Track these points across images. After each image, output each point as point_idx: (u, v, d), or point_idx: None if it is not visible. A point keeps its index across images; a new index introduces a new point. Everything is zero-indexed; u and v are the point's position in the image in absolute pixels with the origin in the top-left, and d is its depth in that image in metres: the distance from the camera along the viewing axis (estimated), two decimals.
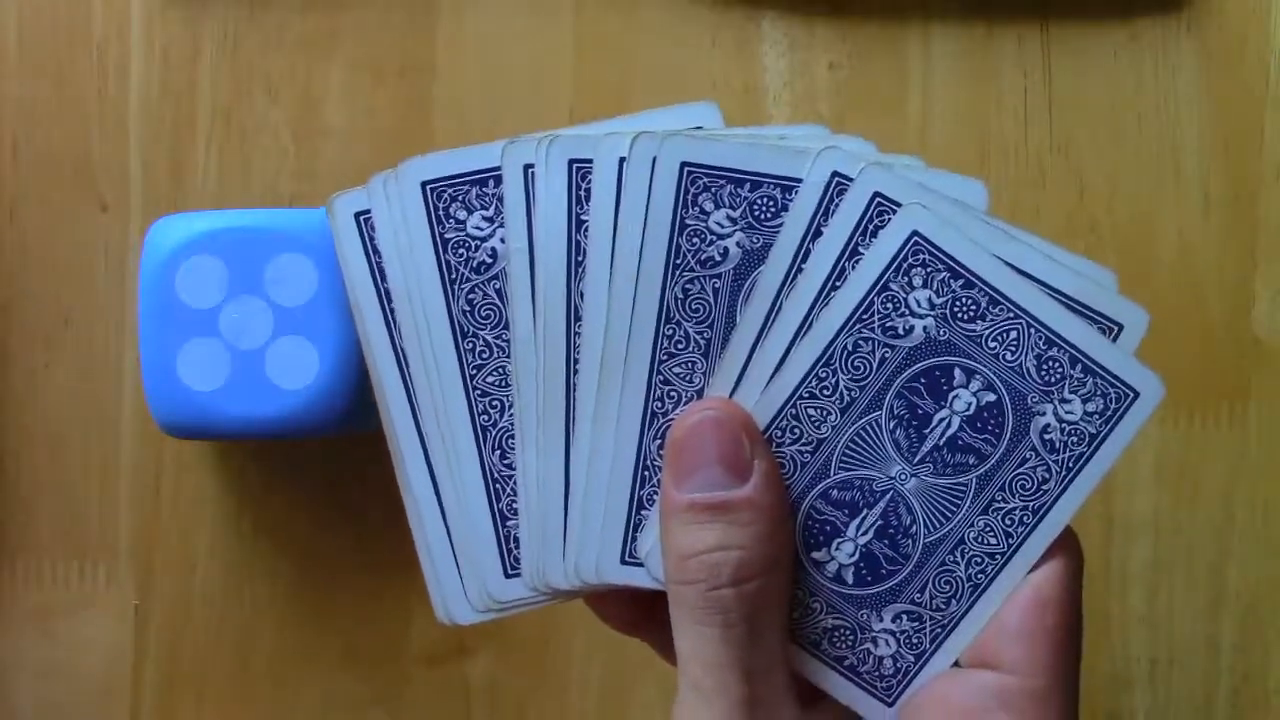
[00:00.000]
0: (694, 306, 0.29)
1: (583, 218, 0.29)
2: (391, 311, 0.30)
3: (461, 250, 0.29)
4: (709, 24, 0.50)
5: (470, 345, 0.30)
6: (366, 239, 0.30)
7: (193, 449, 0.50)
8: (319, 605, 0.50)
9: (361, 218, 0.30)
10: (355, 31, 0.50)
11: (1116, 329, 0.29)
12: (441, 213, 0.30)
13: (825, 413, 0.28)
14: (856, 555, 0.29)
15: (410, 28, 0.50)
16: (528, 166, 0.29)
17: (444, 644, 0.50)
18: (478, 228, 0.29)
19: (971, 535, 0.29)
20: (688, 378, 0.29)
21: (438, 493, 0.30)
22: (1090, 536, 0.50)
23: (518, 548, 0.30)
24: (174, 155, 0.50)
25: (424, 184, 0.30)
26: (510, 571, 0.30)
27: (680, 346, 0.29)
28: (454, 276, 0.29)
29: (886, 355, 0.28)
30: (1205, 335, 0.50)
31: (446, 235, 0.30)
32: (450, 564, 0.31)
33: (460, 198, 0.30)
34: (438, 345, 0.30)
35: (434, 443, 0.30)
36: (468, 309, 0.29)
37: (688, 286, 0.29)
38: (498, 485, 0.30)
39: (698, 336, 0.29)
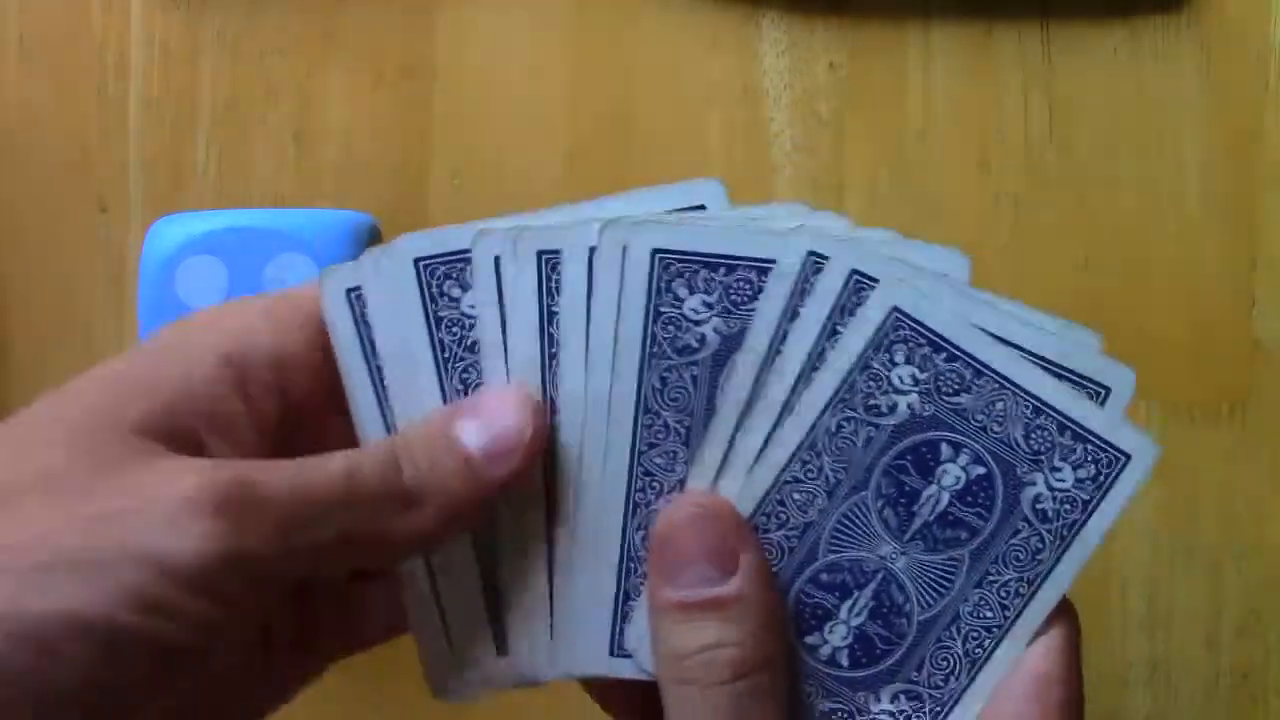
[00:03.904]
0: (672, 395, 0.28)
1: (554, 310, 0.28)
2: (383, 387, 0.29)
3: (455, 329, 0.29)
4: (709, 24, 0.50)
5: None
6: (357, 314, 0.29)
7: None
8: None
9: (352, 294, 0.29)
10: (355, 31, 0.50)
11: (1104, 392, 0.28)
12: (435, 290, 0.29)
13: (811, 496, 0.28)
14: (850, 638, 0.28)
15: (410, 28, 0.50)
16: (498, 258, 0.29)
17: None
18: (471, 306, 0.29)
19: (966, 610, 0.28)
20: (669, 467, 0.29)
21: (429, 568, 0.30)
22: None
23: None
24: (174, 155, 0.50)
25: (416, 261, 0.29)
26: (501, 652, 0.30)
27: (660, 436, 0.29)
28: (447, 355, 0.29)
29: (871, 434, 0.28)
30: (1205, 335, 0.50)
31: (440, 313, 0.29)
32: (442, 641, 0.30)
33: (454, 275, 0.29)
34: None
35: None
36: (460, 389, 0.29)
37: (665, 375, 0.28)
38: (486, 567, 0.29)
39: (677, 425, 0.28)
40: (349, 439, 0.29)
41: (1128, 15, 0.49)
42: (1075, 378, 0.28)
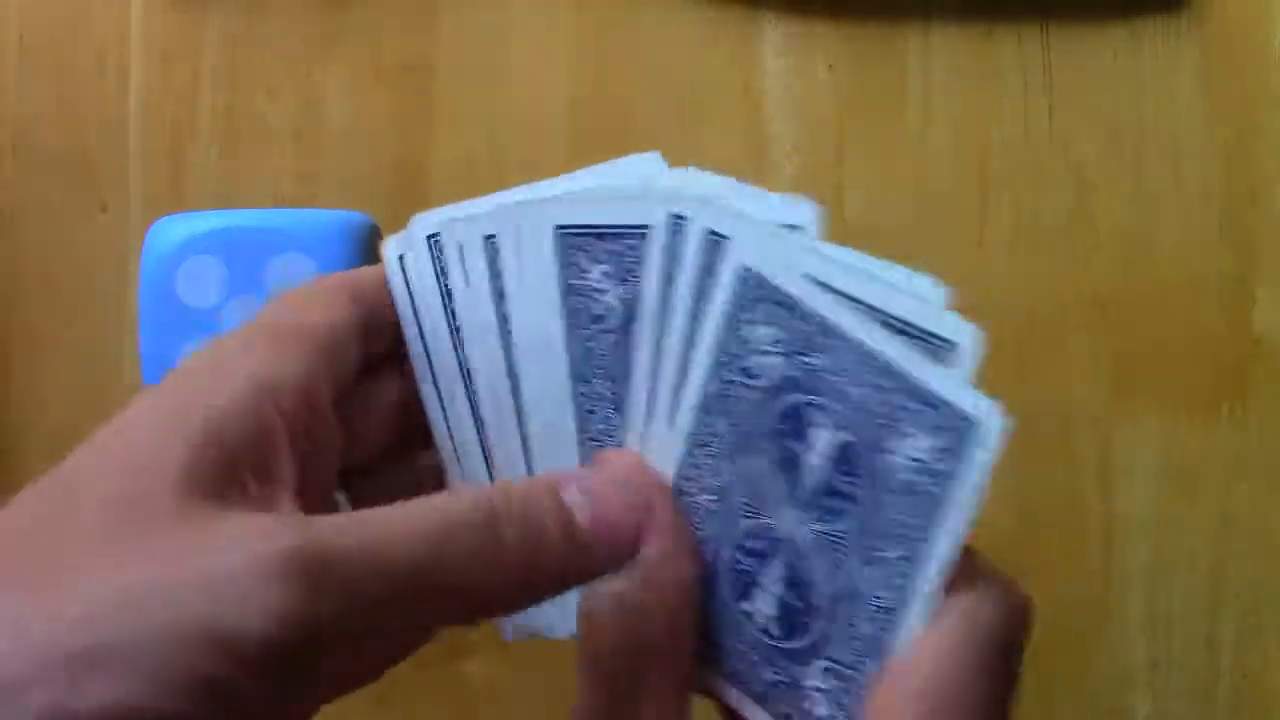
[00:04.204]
0: (598, 364, 0.28)
1: (502, 290, 0.29)
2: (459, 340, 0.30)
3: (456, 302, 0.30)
4: (709, 24, 0.50)
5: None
6: (437, 267, 0.30)
7: None
8: None
9: (404, 257, 0.30)
10: (355, 31, 0.50)
11: (950, 349, 0.25)
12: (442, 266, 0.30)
13: (718, 460, 0.27)
14: (776, 607, 0.27)
15: (410, 28, 0.50)
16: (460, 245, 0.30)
17: (442, 645, 0.50)
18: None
19: (864, 588, 0.26)
20: (610, 433, 0.29)
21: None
22: (1090, 536, 0.50)
23: None
24: (174, 155, 0.50)
25: (428, 237, 0.30)
26: None
27: (597, 404, 0.29)
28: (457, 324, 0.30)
29: (752, 397, 0.26)
30: (1205, 335, 0.50)
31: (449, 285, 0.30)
32: None
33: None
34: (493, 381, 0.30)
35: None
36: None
37: (588, 344, 0.28)
38: None
39: (607, 392, 0.28)
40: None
41: (1128, 15, 0.49)
42: (921, 334, 0.25)
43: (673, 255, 0.27)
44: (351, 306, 0.29)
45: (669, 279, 0.27)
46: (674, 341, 0.27)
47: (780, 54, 0.50)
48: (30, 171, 0.50)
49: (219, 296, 0.45)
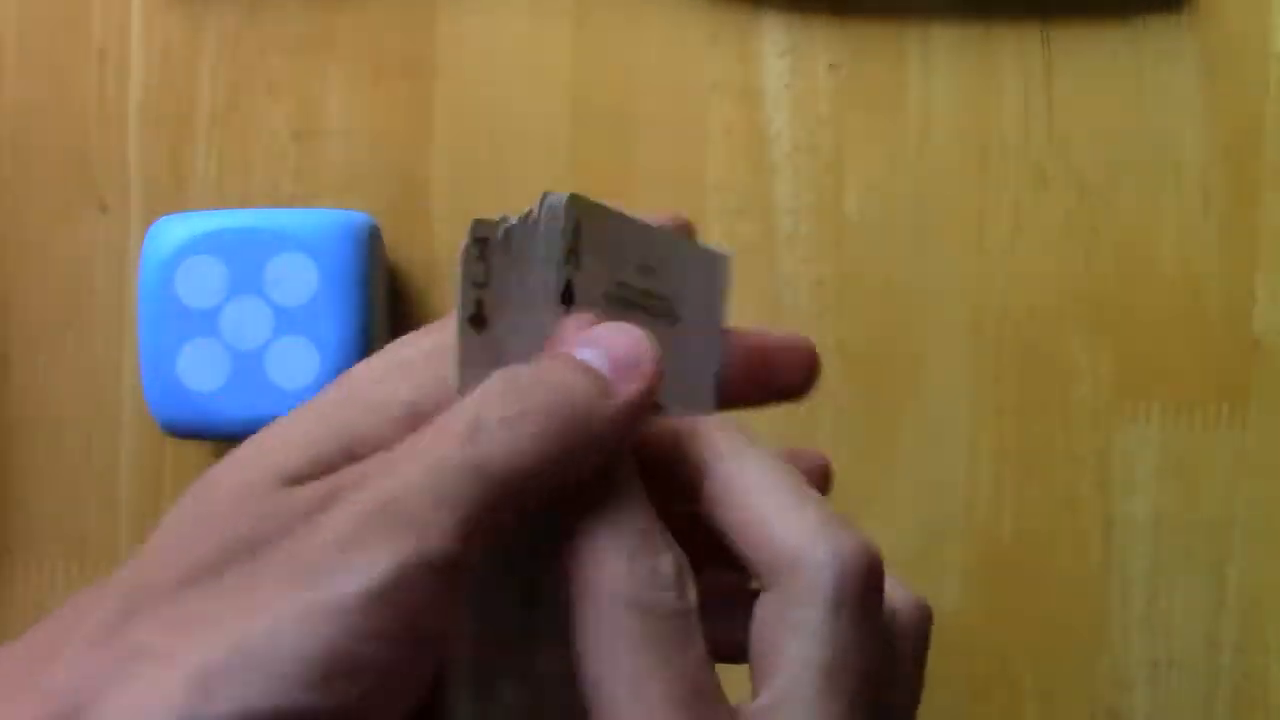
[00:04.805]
0: None
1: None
2: None
3: None
4: (709, 24, 0.50)
5: None
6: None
7: (193, 449, 0.50)
8: None
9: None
10: (355, 31, 0.50)
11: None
12: None
13: None
14: None
15: (410, 28, 0.50)
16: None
17: None
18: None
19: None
20: None
21: None
22: (1090, 536, 0.50)
23: None
24: (174, 155, 0.50)
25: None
26: None
27: None
28: None
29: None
30: (1205, 335, 0.50)
31: None
32: None
33: None
34: None
35: None
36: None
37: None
38: None
39: None
40: None
41: (1128, 15, 0.49)
42: None
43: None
44: None
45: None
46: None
47: (780, 53, 0.50)
48: (30, 171, 0.50)
49: (219, 297, 0.45)
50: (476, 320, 0.25)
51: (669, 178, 0.50)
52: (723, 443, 0.26)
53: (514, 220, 0.25)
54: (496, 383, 0.24)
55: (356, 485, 0.22)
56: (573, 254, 0.26)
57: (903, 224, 0.50)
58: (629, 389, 0.24)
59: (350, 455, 0.23)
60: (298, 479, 0.23)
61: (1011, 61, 0.50)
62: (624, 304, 0.27)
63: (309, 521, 0.22)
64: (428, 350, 0.26)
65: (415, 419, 0.24)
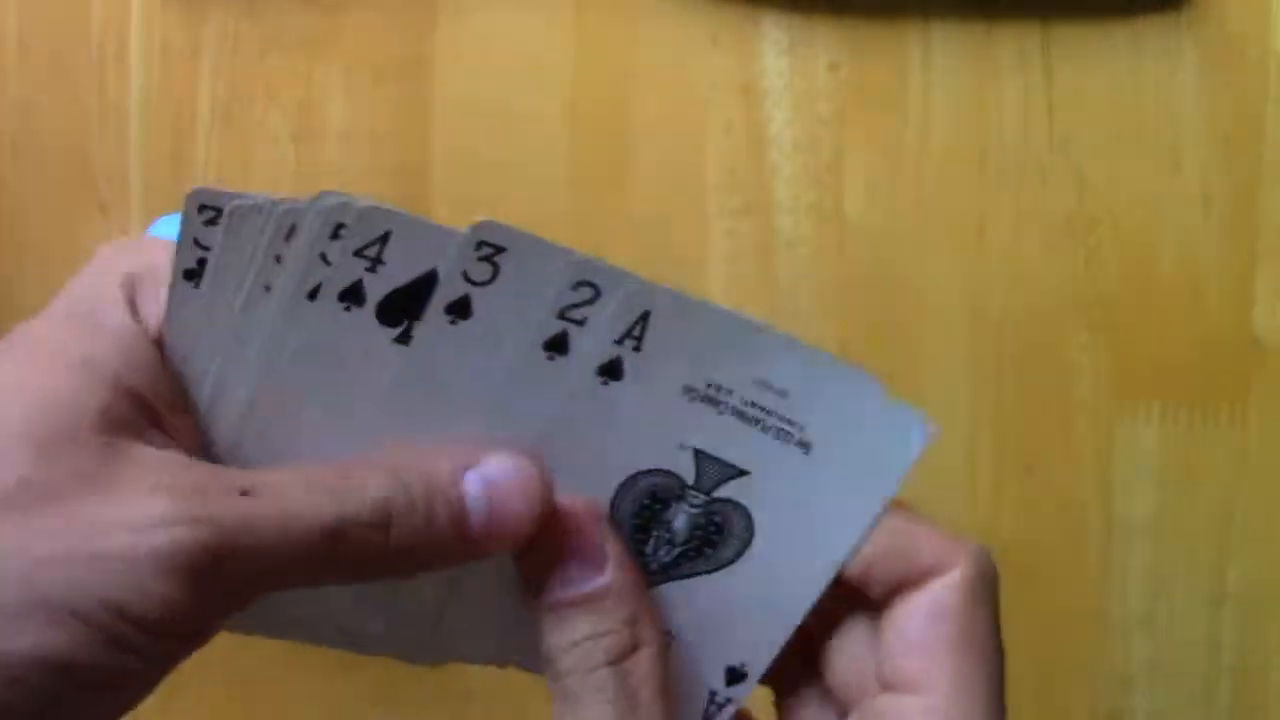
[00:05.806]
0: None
1: None
2: None
3: None
4: (709, 24, 0.50)
5: None
6: None
7: None
8: None
9: None
10: (355, 31, 0.50)
11: None
12: None
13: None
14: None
15: (410, 28, 0.50)
16: None
17: None
18: None
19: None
20: None
21: None
22: (1090, 536, 0.50)
23: None
24: (174, 155, 0.50)
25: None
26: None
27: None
28: None
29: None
30: (1205, 335, 0.50)
31: None
32: None
33: None
34: None
35: None
36: None
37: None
38: None
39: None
40: None
41: (1128, 15, 0.49)
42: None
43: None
44: None
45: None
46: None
47: (780, 53, 0.50)
48: (30, 171, 0.50)
49: None
50: (191, 275, 0.27)
51: (669, 178, 0.50)
52: None
53: (253, 201, 0.26)
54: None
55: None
56: (571, 309, 0.26)
57: (903, 224, 0.50)
58: (492, 541, 0.26)
59: (123, 390, 0.25)
60: (103, 424, 0.24)
61: (1011, 61, 0.50)
62: (713, 404, 0.27)
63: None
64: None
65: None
